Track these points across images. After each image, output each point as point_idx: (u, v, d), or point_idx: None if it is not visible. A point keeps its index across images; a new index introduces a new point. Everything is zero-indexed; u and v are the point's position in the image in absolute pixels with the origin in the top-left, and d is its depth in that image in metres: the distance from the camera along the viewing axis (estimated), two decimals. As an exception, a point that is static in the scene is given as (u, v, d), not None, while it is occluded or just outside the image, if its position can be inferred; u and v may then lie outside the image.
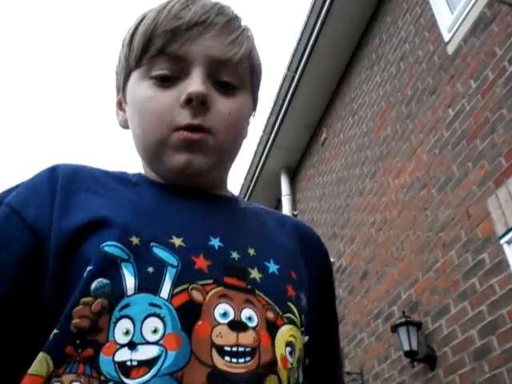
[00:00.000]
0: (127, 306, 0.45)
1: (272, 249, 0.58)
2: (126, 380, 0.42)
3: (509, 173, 2.48)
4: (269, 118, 5.92)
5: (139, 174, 0.62)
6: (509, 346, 2.28)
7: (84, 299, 0.45)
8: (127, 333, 0.44)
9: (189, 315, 0.46)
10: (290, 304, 0.53)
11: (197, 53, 0.56)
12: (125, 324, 0.45)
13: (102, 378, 0.42)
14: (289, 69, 5.35)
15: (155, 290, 0.46)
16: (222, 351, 0.45)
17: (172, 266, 0.49)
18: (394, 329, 3.06)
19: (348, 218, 4.53)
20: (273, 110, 5.80)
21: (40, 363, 0.44)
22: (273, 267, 0.55)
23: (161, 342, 0.44)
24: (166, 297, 0.46)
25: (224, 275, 0.50)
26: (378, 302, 3.65)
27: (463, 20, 3.13)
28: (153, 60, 0.57)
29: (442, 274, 2.93)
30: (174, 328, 0.45)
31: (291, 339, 0.51)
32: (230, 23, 0.59)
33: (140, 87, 0.58)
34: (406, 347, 2.93)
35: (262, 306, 0.50)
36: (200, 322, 0.46)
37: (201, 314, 0.47)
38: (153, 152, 0.58)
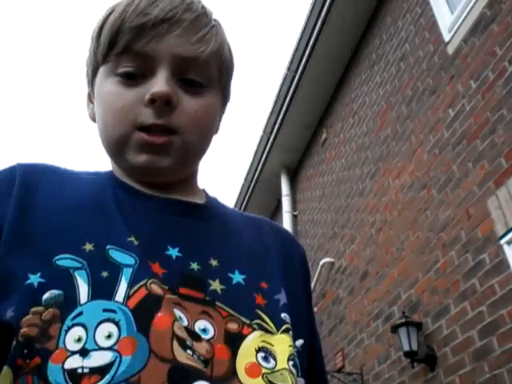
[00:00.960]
0: (80, 314, 0.44)
1: (238, 259, 0.57)
2: None
3: (509, 173, 2.47)
4: (269, 118, 5.92)
5: (109, 173, 0.62)
6: (509, 346, 2.27)
7: (34, 309, 0.43)
8: (79, 340, 0.42)
9: (146, 311, 0.44)
10: (258, 311, 0.52)
11: (163, 51, 0.56)
12: (77, 332, 0.43)
13: None
14: (289, 69, 5.35)
15: (109, 294, 0.45)
16: (183, 344, 0.43)
17: (128, 266, 0.47)
18: (394, 329, 3.06)
19: (348, 219, 4.53)
20: (273, 110, 5.80)
21: (4, 377, 0.42)
22: (238, 277, 0.54)
23: (115, 347, 0.42)
24: (121, 300, 0.45)
25: (180, 285, 0.49)
26: (378, 302, 3.65)
27: (463, 20, 3.13)
28: (119, 57, 0.56)
29: (442, 274, 2.93)
30: (130, 331, 0.43)
31: (264, 345, 0.49)
32: (198, 20, 0.58)
33: (106, 83, 0.58)
34: (406, 347, 2.93)
35: (222, 318, 0.49)
36: (160, 314, 0.44)
37: (161, 306, 0.45)
38: (115, 148, 0.57)
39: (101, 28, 0.58)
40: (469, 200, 2.79)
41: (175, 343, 0.43)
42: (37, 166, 0.57)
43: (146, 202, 0.57)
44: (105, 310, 0.44)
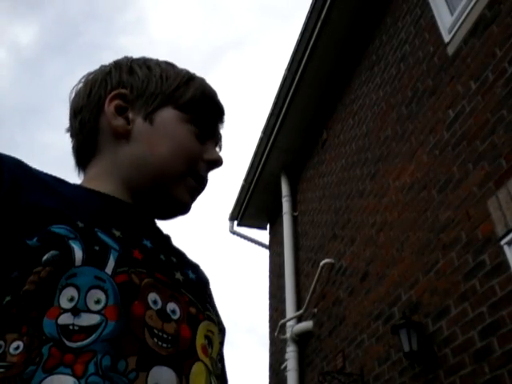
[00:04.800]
0: (74, 275, 0.49)
1: (187, 263, 0.69)
2: (67, 342, 0.46)
3: (509, 174, 2.47)
4: (269, 119, 5.92)
5: (79, 185, 0.67)
6: (509, 347, 2.27)
7: (36, 269, 0.48)
8: (72, 299, 0.48)
9: (128, 293, 0.51)
10: (207, 305, 0.64)
11: (219, 131, 0.77)
12: (70, 291, 0.48)
13: (44, 337, 0.45)
14: (289, 70, 5.36)
15: (101, 265, 0.51)
16: (152, 332, 0.51)
17: (115, 249, 0.54)
18: (395, 330, 3.06)
19: (348, 219, 4.53)
20: (273, 111, 5.80)
21: None
22: (191, 275, 0.65)
23: (102, 311, 0.48)
24: (110, 273, 0.51)
25: (155, 271, 0.57)
26: (379, 303, 3.64)
27: (463, 21, 3.13)
28: (200, 117, 0.72)
29: (443, 275, 2.93)
30: (116, 301, 0.50)
31: (208, 334, 0.60)
32: None
33: (182, 127, 0.70)
34: (407, 348, 2.93)
35: (185, 302, 0.58)
36: (136, 302, 0.51)
37: (138, 295, 0.52)
38: (167, 178, 0.68)
39: (185, 84, 0.73)
40: (469, 201, 2.79)
41: (146, 330, 0.50)
42: (16, 159, 0.59)
43: (123, 205, 0.66)
44: (96, 278, 0.50)
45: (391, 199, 3.76)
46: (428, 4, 3.62)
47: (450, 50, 3.24)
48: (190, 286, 0.62)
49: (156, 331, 0.51)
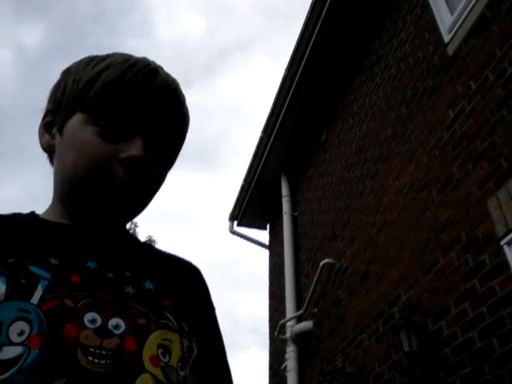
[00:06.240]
0: None
1: (149, 272, 0.66)
2: None
3: (509, 174, 2.47)
4: (269, 119, 5.92)
5: (32, 214, 0.68)
6: (509, 347, 2.27)
7: None
8: None
9: (57, 317, 0.51)
10: (165, 312, 0.61)
11: (146, 121, 0.65)
12: None
13: None
14: (289, 70, 5.36)
15: (26, 297, 0.51)
16: (86, 351, 0.51)
17: (45, 278, 0.54)
18: (395, 330, 3.06)
19: (348, 219, 4.53)
20: (273, 111, 5.80)
21: None
22: (149, 285, 0.63)
23: (25, 342, 0.48)
24: (35, 303, 0.51)
25: (97, 290, 0.57)
26: (379, 303, 3.64)
27: (463, 21, 3.13)
28: (105, 111, 0.63)
29: (443, 275, 2.93)
30: (40, 329, 0.49)
31: (164, 342, 0.58)
32: (181, 104, 0.69)
33: (84, 131, 0.64)
34: (407, 348, 2.93)
35: (134, 314, 0.57)
36: (69, 325, 0.51)
37: (71, 317, 0.52)
38: (78, 191, 0.64)
39: (92, 80, 0.65)
40: (469, 201, 2.79)
41: (79, 350, 0.50)
42: None
43: (69, 228, 0.65)
44: (20, 310, 0.50)
45: (391, 199, 3.76)
46: (428, 4, 3.62)
47: (450, 50, 3.24)
48: (144, 297, 0.60)
49: (92, 349, 0.51)
